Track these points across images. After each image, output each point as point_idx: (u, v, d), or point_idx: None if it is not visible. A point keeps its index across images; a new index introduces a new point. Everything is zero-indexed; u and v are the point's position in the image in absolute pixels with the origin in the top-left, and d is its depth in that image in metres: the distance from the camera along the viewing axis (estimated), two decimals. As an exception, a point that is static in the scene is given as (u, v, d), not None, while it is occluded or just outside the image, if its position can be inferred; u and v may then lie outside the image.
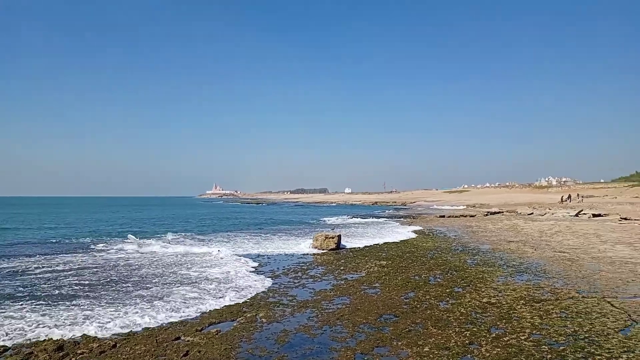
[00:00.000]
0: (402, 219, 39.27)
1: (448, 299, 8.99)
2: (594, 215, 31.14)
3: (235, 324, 7.53)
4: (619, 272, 11.08)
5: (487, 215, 39.53)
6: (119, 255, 16.08)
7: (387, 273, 12.08)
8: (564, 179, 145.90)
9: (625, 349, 5.78)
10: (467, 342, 6.31)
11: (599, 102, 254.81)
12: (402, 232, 25.19)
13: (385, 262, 13.93)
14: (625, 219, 26.47)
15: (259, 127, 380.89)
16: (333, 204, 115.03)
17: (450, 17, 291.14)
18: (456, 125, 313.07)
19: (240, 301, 9.19)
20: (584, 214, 32.40)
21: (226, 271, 12.75)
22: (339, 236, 18.28)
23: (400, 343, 6.36)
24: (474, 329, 6.86)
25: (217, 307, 8.66)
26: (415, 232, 25.36)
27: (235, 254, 16.27)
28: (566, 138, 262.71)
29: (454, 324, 7.18)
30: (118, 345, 6.43)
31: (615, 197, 66.66)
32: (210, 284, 10.88)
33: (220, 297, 9.50)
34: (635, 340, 6.06)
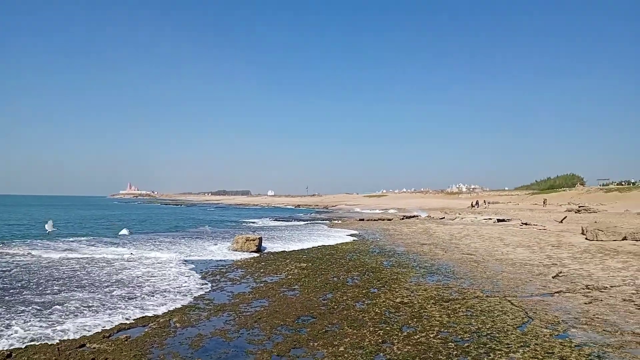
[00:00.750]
0: (323, 222, 39.84)
1: (364, 299, 9.23)
2: (499, 220, 33.56)
3: (146, 330, 7.19)
4: (519, 272, 12.01)
5: (402, 219, 41.19)
6: (16, 260, 14.75)
7: (307, 275, 12.16)
8: (473, 186, 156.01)
9: (522, 343, 6.26)
10: (380, 341, 6.51)
11: (501, 117, 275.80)
12: (323, 235, 25.55)
13: (305, 264, 14.03)
14: (526, 224, 28.80)
15: (178, 125, 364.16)
16: (256, 206, 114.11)
17: (351, 26, 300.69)
18: (376, 132, 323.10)
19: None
20: (489, 219, 34.82)
21: (138, 275, 12.15)
22: (260, 238, 18.13)
23: (316, 344, 6.42)
24: (387, 328, 7.10)
25: (128, 312, 8.22)
26: (337, 234, 25.83)
27: (149, 257, 15.57)
28: (475, 147, 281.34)
29: (369, 324, 7.38)
30: (14, 355, 5.88)
31: (517, 204, 72.42)
32: (121, 289, 10.31)
33: (131, 300, 9.02)
34: (530, 336, 6.59)
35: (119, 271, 12.62)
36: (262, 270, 13.12)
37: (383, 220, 39.35)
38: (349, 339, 6.62)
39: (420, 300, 8.97)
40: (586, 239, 18.62)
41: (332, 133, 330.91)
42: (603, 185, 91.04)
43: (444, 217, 40.67)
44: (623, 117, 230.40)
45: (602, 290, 9.55)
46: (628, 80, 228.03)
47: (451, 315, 7.80)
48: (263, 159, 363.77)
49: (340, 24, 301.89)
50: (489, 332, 6.83)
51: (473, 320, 7.46)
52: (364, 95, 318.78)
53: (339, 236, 24.67)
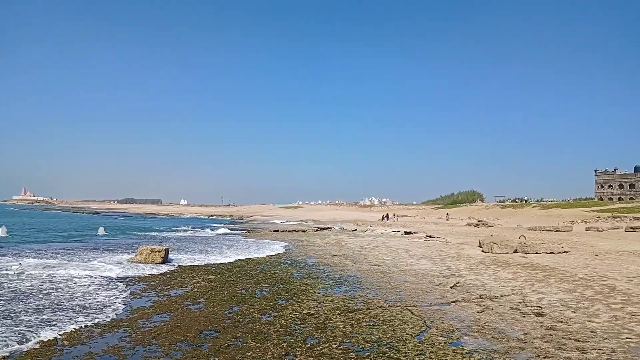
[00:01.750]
0: (237, 232, 39.16)
1: (271, 311, 9.13)
2: (406, 233, 35.09)
3: (28, 349, 6.51)
4: (421, 283, 12.58)
5: (317, 230, 41.66)
6: None
7: (214, 287, 11.80)
8: (384, 200, 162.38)
9: (418, 352, 6.52)
10: (283, 353, 6.44)
11: (413, 135, 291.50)
12: (235, 246, 25.06)
13: (213, 277, 13.62)
14: (430, 236, 30.41)
15: (80, 128, 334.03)
16: (166, 216, 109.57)
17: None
18: (293, 143, 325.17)
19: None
20: (398, 231, 36.30)
21: (24, 290, 11.05)
22: (167, 249, 17.35)
23: (217, 359, 6.21)
24: (292, 340, 7.05)
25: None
26: (251, 246, 25.45)
27: (41, 269, 14.26)
28: (388, 162, 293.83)
29: (274, 337, 7.28)
30: None
31: (424, 217, 76.34)
32: (5, 304, 9.29)
33: (13, 319, 8.15)
34: (426, 344, 6.88)
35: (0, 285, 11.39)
36: (166, 283, 12.52)
37: (298, 231, 39.50)
38: (251, 352, 6.48)
39: (326, 312, 9.05)
40: (482, 251, 20.02)
41: (249, 142, 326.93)
42: (500, 201, 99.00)
43: (356, 229, 41.72)
44: (519, 142, 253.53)
45: (494, 299, 10.27)
46: (520, 115, 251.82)
47: (354, 326, 7.94)
48: (175, 167, 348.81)
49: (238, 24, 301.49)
50: (389, 341, 7.04)
51: (375, 330, 7.65)
52: (281, 102, 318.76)
53: (252, 247, 24.34)
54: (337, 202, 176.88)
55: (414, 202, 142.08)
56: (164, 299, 10.43)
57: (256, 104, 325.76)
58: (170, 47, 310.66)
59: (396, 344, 6.90)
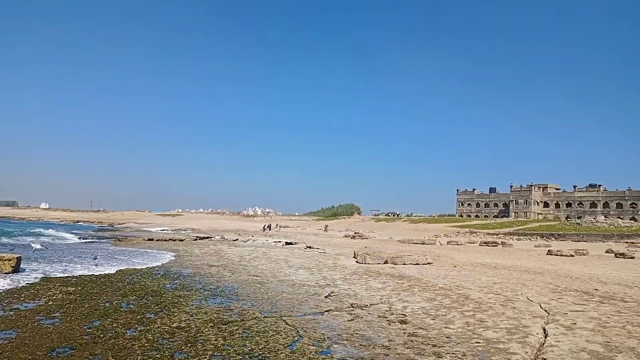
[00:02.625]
0: (104, 240, 36.25)
1: (137, 325, 8.54)
2: (287, 243, 35.47)
3: None
4: (297, 293, 12.74)
5: (196, 239, 40.24)
6: None
7: (73, 300, 10.73)
8: (268, 210, 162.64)
9: (289, 361, 6.56)
10: (147, 370, 6.04)
11: (294, 147, 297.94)
12: (102, 255, 23.13)
13: (73, 288, 12.39)
14: (310, 247, 31.08)
15: None
16: (23, 220, 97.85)
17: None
18: (171, 150, 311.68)
19: None
20: (279, 241, 36.55)
21: None
22: (19, 258, 15.43)
23: (70, 380, 5.62)
24: (157, 356, 6.66)
25: None
26: (120, 255, 23.66)
27: None
28: (272, 173, 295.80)
29: (138, 352, 6.82)
30: None
31: (305, 229, 77.98)
32: None
33: None
34: (298, 354, 6.96)
35: None
36: (15, 296, 11.10)
37: (175, 240, 37.76)
38: (111, 370, 5.98)
39: (198, 324, 8.72)
40: (357, 262, 20.96)
41: (121, 144, 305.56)
42: (375, 215, 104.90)
43: (237, 239, 41.13)
44: (395, 161, 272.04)
45: (364, 308, 10.77)
46: (396, 138, 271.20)
47: (227, 338, 7.75)
48: (35, 165, 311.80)
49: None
50: (261, 352, 6.98)
51: (248, 342, 7.54)
52: (161, 103, 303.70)
53: (121, 257, 22.67)
54: (219, 210, 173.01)
55: (297, 213, 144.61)
56: (11, 313, 9.23)
57: (130, 101, 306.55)
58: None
59: (268, 355, 6.87)
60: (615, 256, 29.43)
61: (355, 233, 54.89)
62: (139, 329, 8.30)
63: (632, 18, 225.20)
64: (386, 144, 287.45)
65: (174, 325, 8.63)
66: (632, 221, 66.47)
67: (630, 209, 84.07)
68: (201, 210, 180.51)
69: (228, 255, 24.22)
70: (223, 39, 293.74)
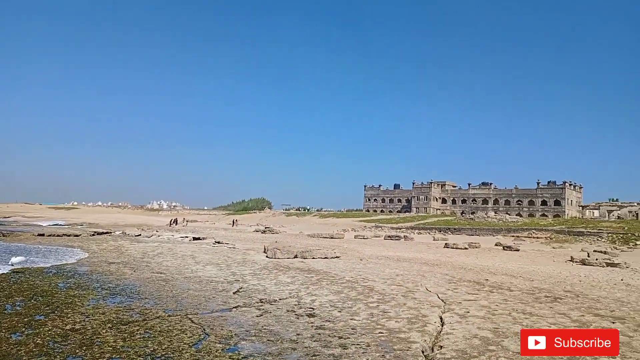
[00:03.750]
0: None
1: (24, 329, 7.79)
2: (195, 239, 34.42)
3: None
4: (204, 290, 12.40)
5: (93, 235, 37.59)
6: None
7: (-57, 304, 9.51)
8: (174, 204, 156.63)
9: (195, 361, 6.36)
10: (34, 379, 5.53)
11: (204, 137, 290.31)
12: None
13: (-56, 290, 10.99)
14: (219, 242, 30.43)
15: None
16: None
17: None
18: (66, 138, 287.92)
19: None
20: (186, 237, 35.34)
21: None
22: None
23: (-63, 395, 4.97)
24: (47, 362, 6.12)
25: None
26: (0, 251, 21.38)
27: None
28: (178, 165, 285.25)
29: (24, 358, 6.22)
30: None
31: (214, 223, 76.24)
32: None
33: None
34: (203, 352, 6.78)
35: None
36: None
37: (69, 236, 34.93)
38: (-10, 381, 5.38)
39: (95, 326, 8.14)
40: (267, 257, 20.90)
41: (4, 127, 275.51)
42: (286, 209, 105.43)
43: (140, 234, 39.08)
44: (304, 155, 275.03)
45: (272, 303, 10.76)
46: (305, 133, 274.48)
47: (127, 339, 7.33)
48: None
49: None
50: (164, 352, 6.70)
51: (150, 342, 7.19)
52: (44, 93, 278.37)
53: (5, 255, 20.53)
54: (120, 204, 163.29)
55: (205, 208, 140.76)
56: None
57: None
58: None
59: (172, 355, 6.61)
60: (503, 249, 32.28)
61: (265, 228, 54.71)
62: (26, 332, 7.58)
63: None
64: (297, 139, 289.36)
65: (67, 327, 7.99)
66: (518, 217, 73.39)
67: (517, 205, 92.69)
68: (100, 203, 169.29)
69: (129, 252, 22.91)
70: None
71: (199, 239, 34.77)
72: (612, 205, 77.23)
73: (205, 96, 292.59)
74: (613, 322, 9.49)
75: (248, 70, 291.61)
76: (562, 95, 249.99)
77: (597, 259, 24.70)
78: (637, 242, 38.68)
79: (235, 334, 7.84)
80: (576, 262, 24.74)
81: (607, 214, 73.02)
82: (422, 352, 7.13)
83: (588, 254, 28.70)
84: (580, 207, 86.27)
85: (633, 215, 68.65)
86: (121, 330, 7.92)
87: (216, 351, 6.84)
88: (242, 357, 6.58)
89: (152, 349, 6.84)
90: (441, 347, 7.43)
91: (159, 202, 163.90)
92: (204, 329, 8.13)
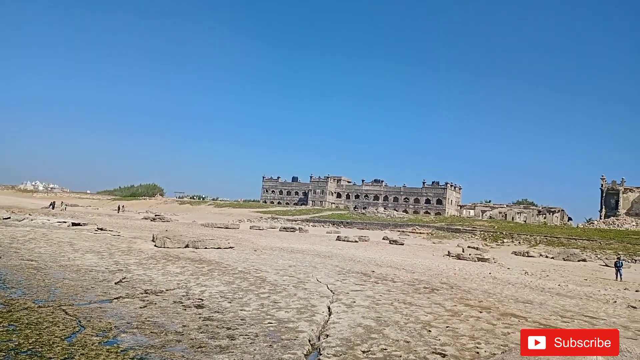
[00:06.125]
0: None
1: None
2: (74, 224, 31.71)
3: None
4: (83, 279, 11.48)
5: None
6: None
7: None
8: (52, 186, 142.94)
9: (67, 355, 5.88)
10: None
11: (87, 115, 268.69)
12: None
13: None
14: (102, 229, 28.36)
15: None
16: None
17: None
18: None
19: None
20: (64, 222, 32.47)
21: None
22: None
23: None
24: None
25: None
26: None
27: None
28: (57, 144, 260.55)
29: None
30: None
31: (98, 209, 71.04)
32: None
33: None
34: (77, 346, 6.27)
35: None
36: None
37: None
38: None
39: (-55, 319, 7.15)
40: (155, 245, 19.95)
41: None
42: (179, 197, 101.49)
43: (9, 217, 35.05)
44: (202, 142, 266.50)
45: (159, 294, 10.29)
46: (205, 120, 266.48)
47: (-14, 334, 6.54)
48: None
49: None
50: (31, 347, 6.09)
51: (15, 336, 6.49)
52: None
53: None
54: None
55: (89, 192, 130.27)
56: None
57: None
58: None
59: (40, 349, 6.03)
60: (390, 243, 34.24)
61: (156, 215, 52.15)
62: None
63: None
64: (193, 125, 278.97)
65: None
66: (405, 213, 78.38)
67: (404, 202, 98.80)
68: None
69: (-5, 237, 20.47)
70: None
71: (79, 224, 32.09)
72: (486, 206, 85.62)
73: (91, 75, 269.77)
74: (480, 312, 10.54)
75: (135, 45, 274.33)
76: (462, 106, 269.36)
77: (470, 254, 27.24)
78: (505, 240, 43.38)
79: (115, 326, 7.37)
80: (452, 256, 27.05)
81: (481, 214, 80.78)
82: (309, 341, 7.31)
83: (463, 249, 31.57)
84: (459, 207, 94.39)
85: (502, 216, 76.71)
86: (-21, 323, 7.04)
87: (92, 344, 6.38)
88: (122, 351, 6.21)
89: (16, 343, 6.17)
90: (327, 335, 7.68)
91: (33, 183, 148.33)
92: (80, 321, 7.53)
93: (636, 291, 17.91)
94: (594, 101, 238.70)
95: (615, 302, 14.29)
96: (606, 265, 29.16)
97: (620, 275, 22.60)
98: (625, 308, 13.16)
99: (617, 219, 69.00)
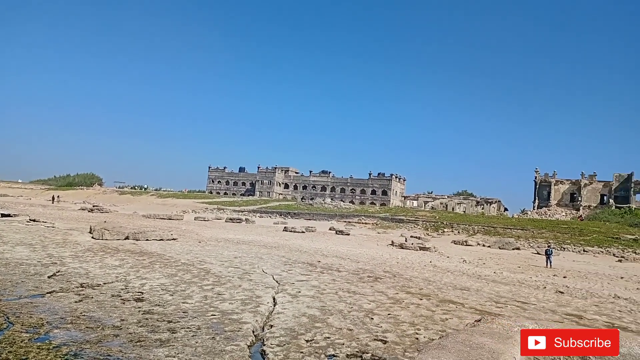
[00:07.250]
0: None
1: None
2: (3, 215, 29.78)
3: None
4: (12, 273, 10.81)
5: None
6: None
7: None
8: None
9: (-8, 354, 5.52)
10: None
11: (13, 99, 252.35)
12: None
13: None
14: (34, 220, 26.82)
15: None
16: None
17: None
18: None
19: None
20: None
21: None
22: None
23: None
24: None
25: None
26: None
27: None
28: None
29: None
30: None
31: (30, 199, 67.08)
32: None
33: None
34: (5, 343, 5.92)
35: None
36: None
37: None
38: None
39: None
40: (93, 237, 19.11)
41: None
42: (119, 187, 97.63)
43: None
44: (147, 134, 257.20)
45: (95, 287, 9.88)
46: (148, 112, 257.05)
47: None
48: None
49: None
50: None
51: None
52: None
53: None
54: None
55: (20, 181, 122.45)
56: None
57: None
58: None
59: (-40, 349, 5.63)
60: (336, 233, 34.65)
61: (94, 206, 49.85)
62: None
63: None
64: (132, 114, 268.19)
65: None
66: (351, 204, 79.47)
67: (350, 193, 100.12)
68: None
69: None
70: None
71: (8, 215, 30.13)
72: (428, 197, 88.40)
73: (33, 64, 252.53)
74: (421, 299, 10.91)
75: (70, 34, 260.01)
76: (406, 101, 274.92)
77: (412, 244, 28.08)
78: (445, 230, 45.04)
79: (47, 322, 7.00)
80: (396, 246, 27.77)
81: (423, 204, 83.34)
82: (253, 332, 7.28)
83: (406, 239, 32.48)
84: (403, 197, 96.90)
85: (443, 206, 79.51)
86: None
87: (22, 341, 6.03)
88: (54, 347, 5.92)
89: None
90: (271, 326, 7.68)
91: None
92: (8, 317, 7.10)
93: (564, 277, 19.14)
94: (531, 99, 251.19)
95: (545, 287, 15.20)
96: (538, 253, 30.94)
97: (550, 262, 24.06)
98: (553, 293, 14.03)
99: (549, 210, 73.42)
